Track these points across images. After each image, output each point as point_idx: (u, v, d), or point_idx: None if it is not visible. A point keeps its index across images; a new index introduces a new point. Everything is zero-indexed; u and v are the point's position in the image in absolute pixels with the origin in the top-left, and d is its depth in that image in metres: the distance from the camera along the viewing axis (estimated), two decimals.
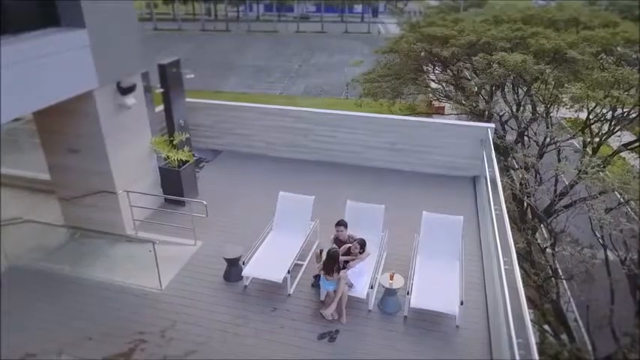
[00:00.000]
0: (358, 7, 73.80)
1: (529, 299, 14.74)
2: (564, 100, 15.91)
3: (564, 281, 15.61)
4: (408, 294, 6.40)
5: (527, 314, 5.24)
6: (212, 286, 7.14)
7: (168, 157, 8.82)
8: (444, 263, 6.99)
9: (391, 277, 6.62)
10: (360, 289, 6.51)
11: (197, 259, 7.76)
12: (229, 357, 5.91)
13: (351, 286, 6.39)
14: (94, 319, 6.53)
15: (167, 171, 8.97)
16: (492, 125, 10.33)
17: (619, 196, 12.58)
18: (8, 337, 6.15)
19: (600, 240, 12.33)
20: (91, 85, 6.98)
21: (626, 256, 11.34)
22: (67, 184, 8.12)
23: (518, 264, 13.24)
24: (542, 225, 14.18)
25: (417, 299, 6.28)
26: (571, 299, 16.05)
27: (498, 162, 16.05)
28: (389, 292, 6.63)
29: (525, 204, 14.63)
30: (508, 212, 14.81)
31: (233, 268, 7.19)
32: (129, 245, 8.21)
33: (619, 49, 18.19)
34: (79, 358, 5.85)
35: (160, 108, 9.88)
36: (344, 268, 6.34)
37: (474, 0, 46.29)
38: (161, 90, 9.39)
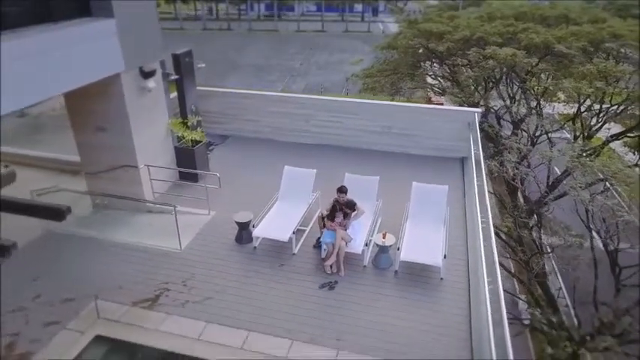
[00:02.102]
0: (358, 7, 74.74)
1: (520, 281, 15.68)
2: (559, 96, 16.85)
3: (555, 268, 16.54)
4: (398, 249, 7.30)
5: (496, 260, 6.15)
6: (226, 247, 8.06)
7: (183, 136, 9.74)
8: (431, 225, 7.90)
9: (384, 236, 7.53)
10: (357, 246, 7.42)
11: (211, 226, 8.68)
12: (242, 302, 6.81)
13: (349, 240, 7.32)
14: (123, 272, 7.45)
15: (182, 150, 9.89)
16: (479, 110, 11.25)
17: (601, 175, 13.41)
18: (48, 286, 7.08)
19: (584, 221, 13.20)
20: (118, 68, 7.90)
21: (606, 233, 12.18)
22: (93, 160, 9.00)
23: (507, 244, 14.15)
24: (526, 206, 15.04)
25: (406, 253, 7.20)
26: (562, 286, 16.94)
27: (489, 148, 16.98)
28: (382, 250, 7.54)
29: (514, 187, 15.54)
30: (499, 196, 15.70)
31: (244, 232, 8.10)
32: (149, 215, 9.12)
33: (608, 44, 19.08)
34: (113, 301, 6.75)
35: (174, 95, 10.78)
36: (344, 219, 7.34)
37: None
38: (176, 77, 10.28)
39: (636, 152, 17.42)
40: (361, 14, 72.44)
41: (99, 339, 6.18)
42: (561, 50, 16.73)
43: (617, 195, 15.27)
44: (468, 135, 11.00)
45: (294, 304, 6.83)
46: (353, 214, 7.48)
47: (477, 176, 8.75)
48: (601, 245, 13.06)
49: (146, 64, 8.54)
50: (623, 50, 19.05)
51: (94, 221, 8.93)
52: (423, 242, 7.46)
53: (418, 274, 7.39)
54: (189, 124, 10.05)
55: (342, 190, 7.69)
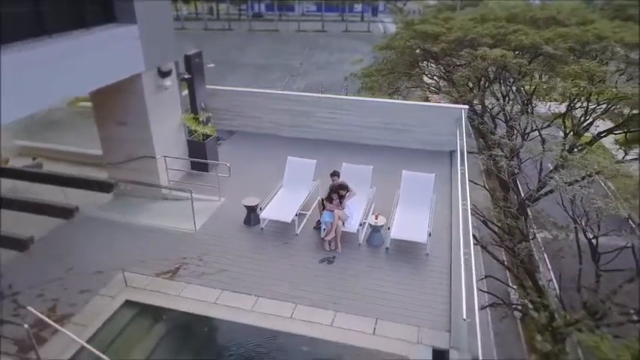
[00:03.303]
0: (358, 7, 75.61)
1: (509, 269, 16.61)
2: (552, 95, 17.75)
3: (547, 260, 17.46)
4: (389, 229, 8.26)
5: (470, 232, 7.10)
6: (235, 228, 9.03)
7: (195, 131, 10.68)
8: (418, 208, 8.85)
9: (376, 217, 8.49)
10: (352, 226, 8.39)
11: (222, 210, 9.64)
12: (252, 274, 7.77)
13: (346, 219, 8.28)
14: (145, 250, 8.40)
15: (194, 143, 10.84)
16: (466, 106, 12.18)
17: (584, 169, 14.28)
18: (79, 260, 8.04)
19: (568, 212, 14.11)
20: (139, 69, 8.85)
21: (581, 219, 13.07)
22: (114, 152, 9.95)
23: (496, 233, 15.02)
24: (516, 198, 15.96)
25: (396, 232, 8.17)
26: (553, 277, 17.87)
27: (479, 143, 17.87)
28: (375, 229, 8.49)
29: (505, 181, 16.46)
30: (492, 191, 16.57)
31: (252, 214, 9.06)
32: (165, 202, 10.08)
33: (593, 45, 19.96)
34: (138, 273, 7.70)
35: (185, 93, 11.71)
36: (340, 201, 8.30)
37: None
38: (188, 76, 11.22)
39: (623, 149, 18.40)
40: (361, 14, 73.33)
41: (128, 303, 7.14)
42: (548, 51, 17.65)
43: (605, 187, 16.16)
44: (456, 130, 11.94)
45: (298, 275, 7.79)
46: (347, 194, 8.45)
47: (460, 165, 9.69)
48: (582, 234, 13.96)
49: (163, 65, 9.50)
50: (617, 50, 19.84)
51: (116, 207, 9.88)
52: (411, 222, 8.42)
53: (406, 251, 8.34)
54: (200, 119, 10.99)
55: (334, 173, 8.67)
